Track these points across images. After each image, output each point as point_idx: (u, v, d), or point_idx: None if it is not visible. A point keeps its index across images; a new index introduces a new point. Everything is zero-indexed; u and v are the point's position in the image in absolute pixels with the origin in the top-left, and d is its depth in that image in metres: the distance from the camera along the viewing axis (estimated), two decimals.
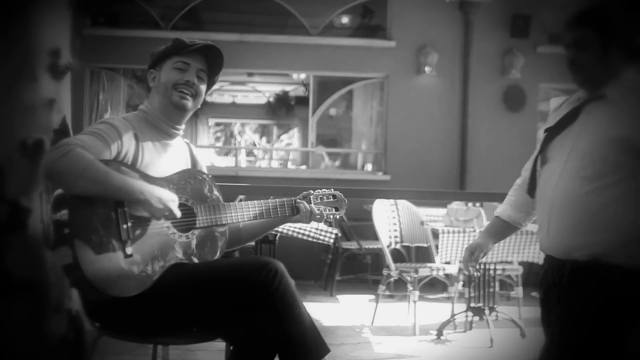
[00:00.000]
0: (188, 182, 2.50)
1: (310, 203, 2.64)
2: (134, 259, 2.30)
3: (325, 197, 2.69)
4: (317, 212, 2.62)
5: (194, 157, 2.67)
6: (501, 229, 2.59)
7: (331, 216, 2.69)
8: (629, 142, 2.12)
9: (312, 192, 2.68)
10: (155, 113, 2.52)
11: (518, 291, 5.79)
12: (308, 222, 2.62)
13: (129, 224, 2.31)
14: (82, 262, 2.20)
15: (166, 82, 2.49)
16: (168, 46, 2.53)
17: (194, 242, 2.45)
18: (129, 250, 2.29)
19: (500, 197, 2.70)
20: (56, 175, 2.22)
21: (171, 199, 2.33)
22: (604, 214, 2.13)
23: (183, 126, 2.58)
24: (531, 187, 2.39)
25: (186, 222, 2.44)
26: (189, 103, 2.51)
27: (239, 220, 2.54)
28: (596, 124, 2.19)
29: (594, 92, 2.24)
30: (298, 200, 2.62)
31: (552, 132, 2.31)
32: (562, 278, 2.23)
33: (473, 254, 2.53)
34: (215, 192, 2.56)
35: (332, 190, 2.73)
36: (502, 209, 2.58)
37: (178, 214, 2.33)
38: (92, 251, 2.23)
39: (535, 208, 2.39)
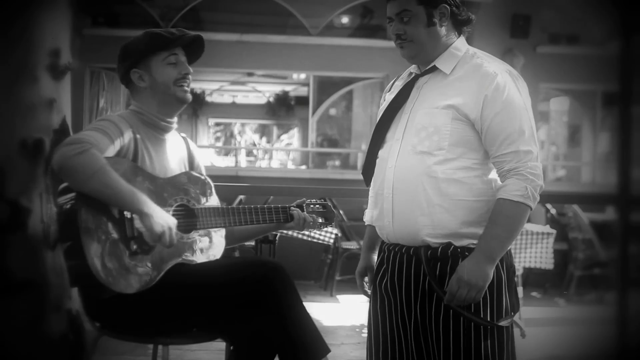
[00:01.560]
0: (190, 183, 2.51)
1: (304, 211, 2.67)
2: (138, 256, 2.30)
3: (316, 207, 2.73)
4: (310, 219, 2.66)
5: (191, 152, 2.67)
6: (377, 236, 2.28)
7: (322, 226, 2.74)
8: (460, 111, 2.03)
9: (305, 200, 2.71)
10: (149, 111, 2.50)
11: (518, 291, 5.79)
12: (301, 229, 2.66)
13: (135, 222, 2.32)
14: (88, 256, 2.21)
15: (166, 81, 2.48)
16: (149, 42, 2.47)
17: (195, 243, 2.46)
18: (133, 247, 2.30)
19: None
20: (68, 171, 2.24)
21: (172, 223, 2.31)
22: (448, 191, 2.03)
23: (176, 119, 2.59)
24: (367, 174, 2.24)
25: (188, 223, 2.44)
26: (190, 95, 2.53)
27: (237, 224, 2.55)
28: (428, 96, 2.10)
29: (425, 65, 2.15)
30: (292, 208, 2.64)
31: (387, 114, 2.20)
32: (413, 266, 2.10)
33: (364, 277, 2.34)
34: (214, 195, 2.57)
35: (323, 200, 2.77)
36: (367, 215, 2.34)
37: (173, 240, 2.30)
38: (97, 246, 2.24)
39: (375, 194, 2.21)
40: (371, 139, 2.26)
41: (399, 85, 2.25)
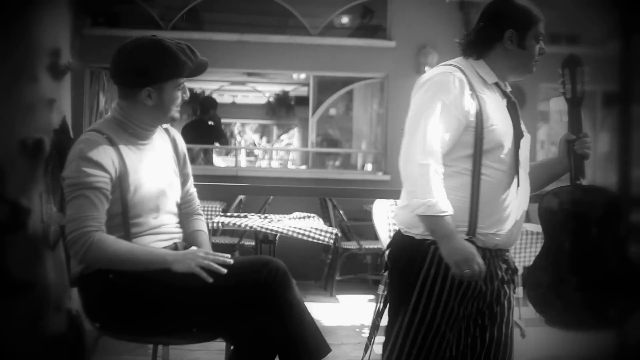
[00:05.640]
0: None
1: None
2: None
3: None
4: None
5: (176, 143, 2.65)
6: None
7: None
8: None
9: None
10: (134, 123, 2.47)
11: (518, 291, 5.78)
12: None
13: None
14: None
15: (170, 105, 2.46)
16: (174, 69, 2.42)
17: None
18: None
19: None
20: (89, 263, 2.39)
21: (196, 256, 2.40)
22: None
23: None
24: None
25: None
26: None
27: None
28: None
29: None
30: None
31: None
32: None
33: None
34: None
35: None
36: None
37: (216, 265, 2.37)
38: None
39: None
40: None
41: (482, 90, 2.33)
